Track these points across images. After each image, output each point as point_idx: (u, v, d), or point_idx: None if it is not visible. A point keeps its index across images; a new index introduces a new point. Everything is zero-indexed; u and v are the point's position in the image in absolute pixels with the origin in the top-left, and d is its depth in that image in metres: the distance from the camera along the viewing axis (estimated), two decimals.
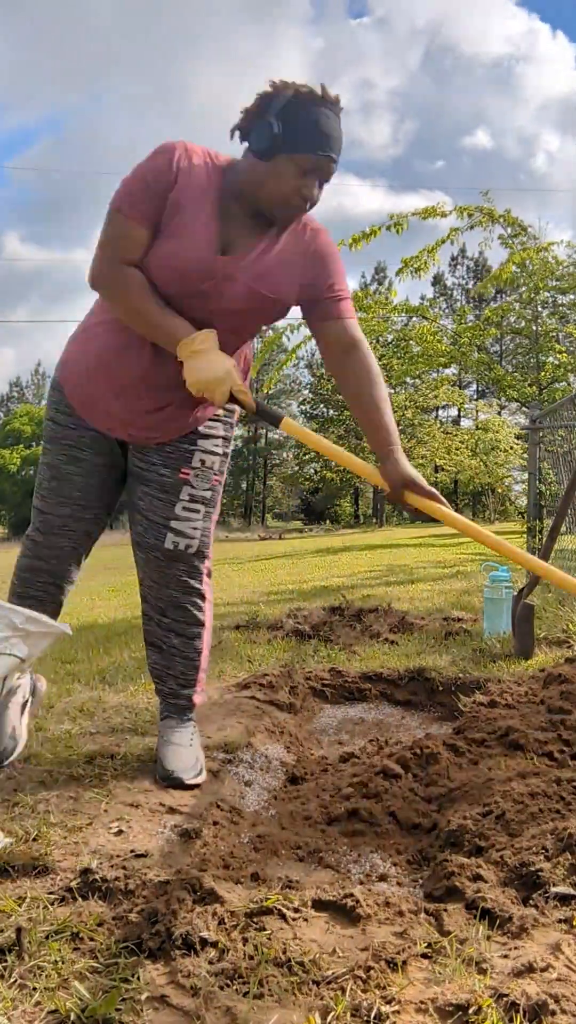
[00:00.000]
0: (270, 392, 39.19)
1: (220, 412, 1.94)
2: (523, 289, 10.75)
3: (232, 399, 1.73)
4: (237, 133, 1.72)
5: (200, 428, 1.90)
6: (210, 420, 1.92)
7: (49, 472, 1.94)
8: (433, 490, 1.73)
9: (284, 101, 1.64)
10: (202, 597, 1.97)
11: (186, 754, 1.88)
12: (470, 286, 39.12)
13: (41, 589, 2.03)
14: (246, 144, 1.71)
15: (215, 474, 1.94)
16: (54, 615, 2.03)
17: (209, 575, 1.99)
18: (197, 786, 1.82)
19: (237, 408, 1.94)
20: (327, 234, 1.84)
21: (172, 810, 1.70)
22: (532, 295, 10.61)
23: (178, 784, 1.80)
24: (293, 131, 1.63)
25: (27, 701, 2.00)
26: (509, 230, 9.68)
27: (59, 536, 1.97)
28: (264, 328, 2.06)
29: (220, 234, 1.70)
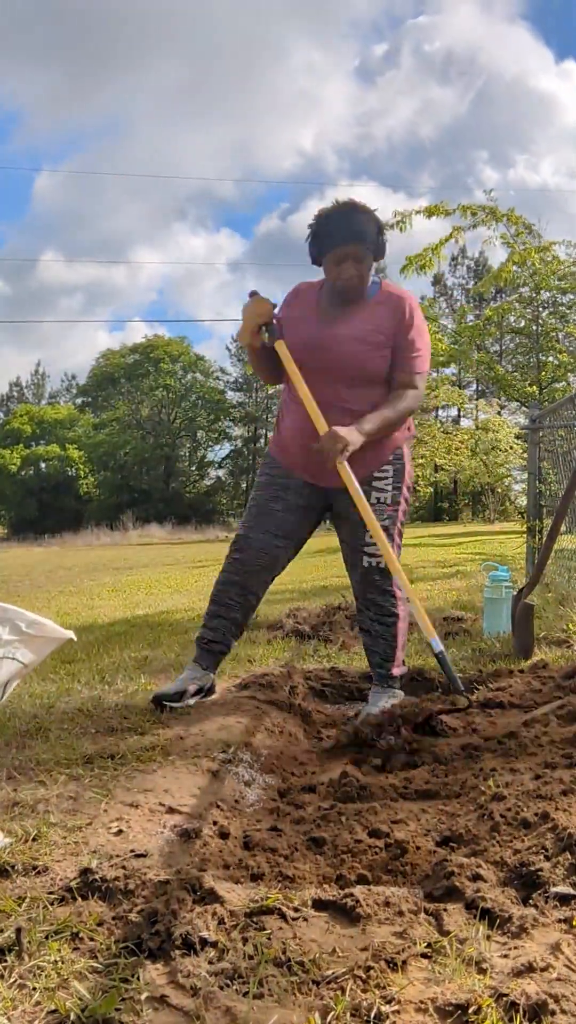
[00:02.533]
0: (271, 391, 39.18)
1: (391, 456, 2.55)
2: (524, 289, 10.74)
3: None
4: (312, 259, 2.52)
5: (375, 473, 2.52)
6: (384, 465, 2.54)
7: (256, 508, 2.59)
8: (344, 448, 2.32)
9: (311, 225, 2.45)
10: (394, 596, 2.55)
11: (375, 709, 2.42)
12: (470, 286, 39.07)
13: (233, 598, 2.57)
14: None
15: (387, 506, 2.55)
16: (243, 624, 2.63)
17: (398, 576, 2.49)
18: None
19: (405, 452, 2.61)
20: (411, 300, 2.52)
21: (172, 810, 1.70)
22: (534, 294, 10.61)
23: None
24: (316, 242, 2.44)
25: (202, 691, 2.54)
26: (512, 229, 9.68)
27: (254, 554, 2.55)
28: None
29: (323, 316, 2.49)
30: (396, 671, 2.60)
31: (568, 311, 11.05)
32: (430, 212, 9.06)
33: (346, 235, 2.38)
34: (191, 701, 2.50)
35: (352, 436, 2.31)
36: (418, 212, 8.96)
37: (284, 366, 2.46)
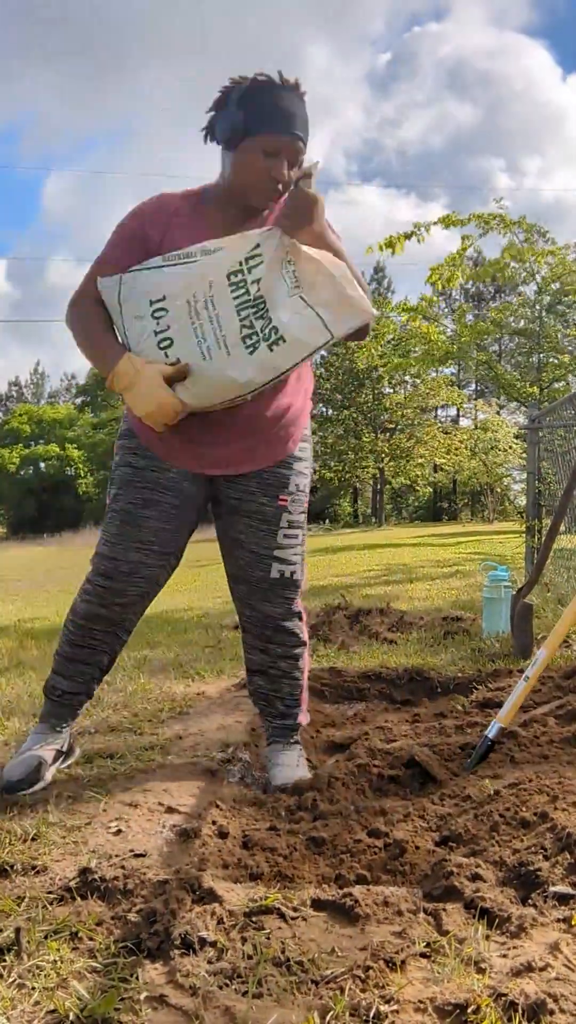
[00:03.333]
0: None
1: (307, 432, 1.96)
2: (525, 288, 10.78)
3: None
4: (207, 135, 1.77)
5: (295, 453, 1.91)
6: (302, 443, 1.94)
7: (120, 517, 1.86)
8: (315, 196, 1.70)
9: (243, 90, 1.70)
10: (300, 617, 2.00)
11: (296, 773, 1.91)
12: (469, 285, 39.08)
13: (100, 638, 1.93)
14: (216, 145, 1.76)
15: (304, 495, 1.96)
16: (109, 667, 2.00)
17: (302, 595, 2.01)
18: None
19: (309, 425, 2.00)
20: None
21: (171, 810, 1.70)
22: (536, 296, 10.65)
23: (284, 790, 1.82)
24: (253, 115, 1.68)
25: (61, 755, 1.94)
26: (523, 236, 9.72)
27: (126, 582, 1.87)
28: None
29: (208, 239, 1.73)
30: (303, 719, 2.06)
31: (568, 310, 11.07)
32: (446, 223, 9.13)
33: (291, 123, 1.70)
34: (49, 775, 1.85)
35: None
36: (435, 223, 9.00)
37: None
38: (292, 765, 1.94)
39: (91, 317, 1.79)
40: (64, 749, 1.95)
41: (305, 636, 2.01)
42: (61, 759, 1.93)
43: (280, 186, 1.74)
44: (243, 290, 1.70)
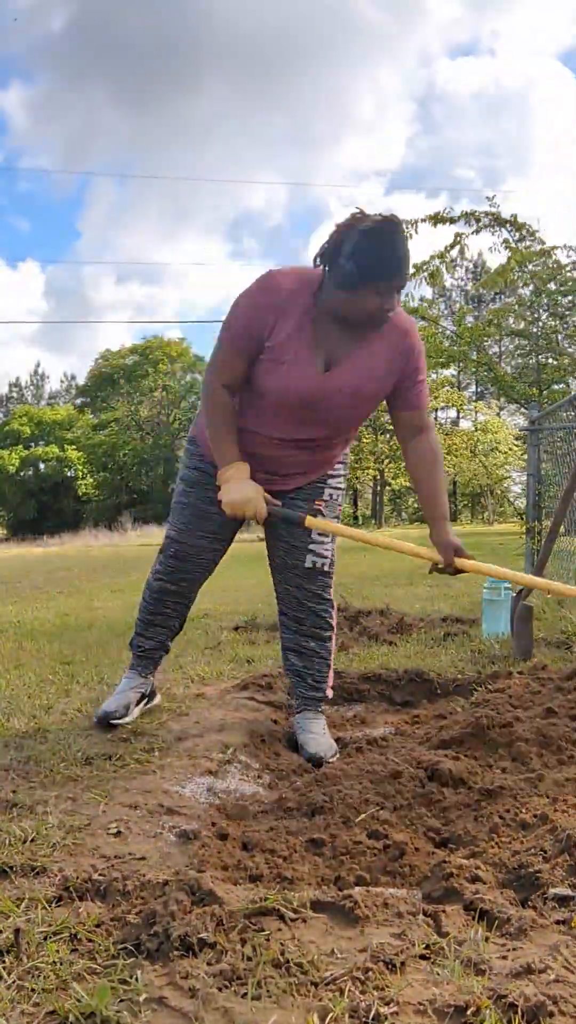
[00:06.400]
0: None
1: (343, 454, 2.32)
2: (524, 290, 10.78)
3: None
4: (319, 260, 2.00)
5: (329, 471, 2.28)
6: (337, 463, 2.30)
7: (191, 510, 2.28)
8: (472, 557, 2.05)
9: (354, 242, 1.89)
10: (332, 605, 2.34)
11: (324, 740, 2.23)
12: (468, 287, 39.10)
13: (171, 607, 2.38)
14: (327, 268, 1.99)
15: (337, 504, 2.32)
16: (180, 627, 2.46)
17: (332, 587, 2.35)
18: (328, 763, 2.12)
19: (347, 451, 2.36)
20: (415, 332, 2.13)
21: (171, 811, 1.70)
22: (535, 297, 10.64)
23: (318, 763, 2.12)
24: (366, 267, 1.89)
25: (145, 697, 2.44)
26: (516, 234, 9.70)
27: (192, 563, 2.32)
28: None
29: (320, 355, 2.03)
30: (329, 692, 2.39)
31: (568, 312, 11.07)
32: (436, 220, 9.08)
33: (400, 263, 1.92)
34: (136, 712, 2.38)
35: (452, 535, 2.06)
36: (424, 220, 8.97)
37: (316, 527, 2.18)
38: (320, 733, 2.25)
39: (224, 411, 2.09)
40: (147, 692, 2.45)
41: (334, 622, 2.35)
42: (145, 701, 2.44)
43: (391, 316, 2.00)
44: None
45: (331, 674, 2.38)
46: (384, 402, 2.17)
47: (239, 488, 2.05)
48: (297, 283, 2.02)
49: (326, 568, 2.30)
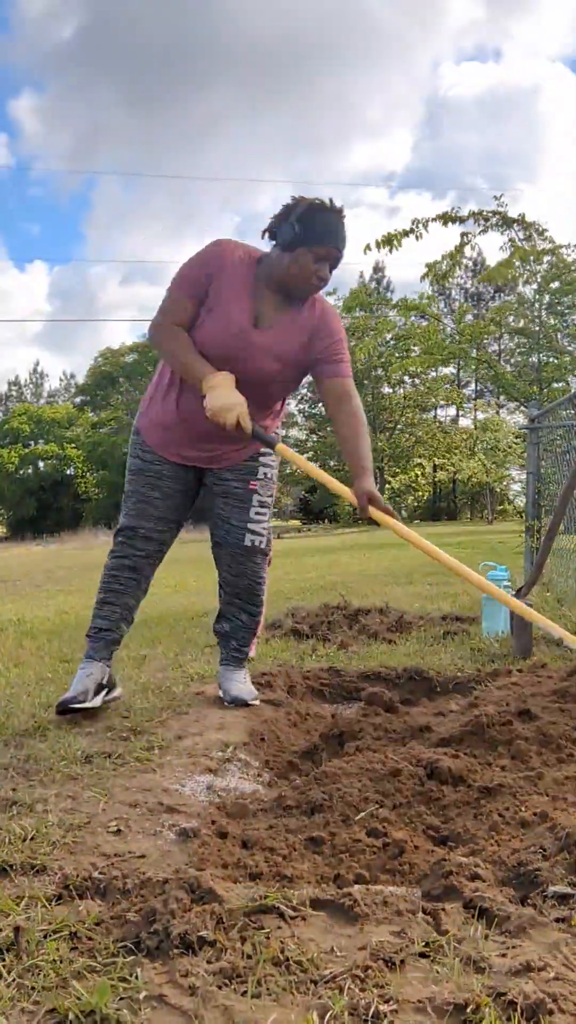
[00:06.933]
0: None
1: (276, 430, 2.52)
2: (526, 288, 10.78)
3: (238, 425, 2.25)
4: (267, 234, 2.30)
5: (263, 449, 2.45)
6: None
7: (136, 497, 2.49)
8: (389, 507, 2.22)
9: (303, 209, 2.23)
10: (264, 581, 2.59)
11: (244, 687, 2.56)
12: (469, 285, 39.07)
13: (124, 583, 2.49)
14: (273, 242, 2.29)
15: (273, 483, 2.54)
16: (134, 608, 2.53)
17: (269, 563, 2.59)
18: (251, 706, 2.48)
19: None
20: (332, 310, 2.44)
21: (170, 809, 1.70)
22: (536, 296, 10.65)
23: (242, 704, 2.47)
24: (310, 230, 2.21)
25: (103, 688, 2.45)
26: (523, 233, 9.70)
27: (144, 541, 2.48)
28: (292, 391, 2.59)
29: (254, 311, 2.30)
30: (252, 652, 2.71)
31: (568, 311, 11.07)
32: (445, 219, 9.08)
33: (339, 239, 2.26)
34: (97, 700, 2.40)
35: (371, 484, 2.24)
36: (433, 220, 8.96)
37: (285, 457, 2.39)
38: (241, 681, 2.58)
39: (181, 335, 2.29)
40: (105, 683, 2.46)
41: (264, 598, 2.61)
42: (105, 691, 2.45)
43: (322, 284, 2.29)
44: None
45: (255, 641, 2.70)
46: (312, 375, 2.41)
47: (225, 395, 2.22)
48: (243, 251, 2.31)
49: (262, 546, 2.52)
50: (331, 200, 2.25)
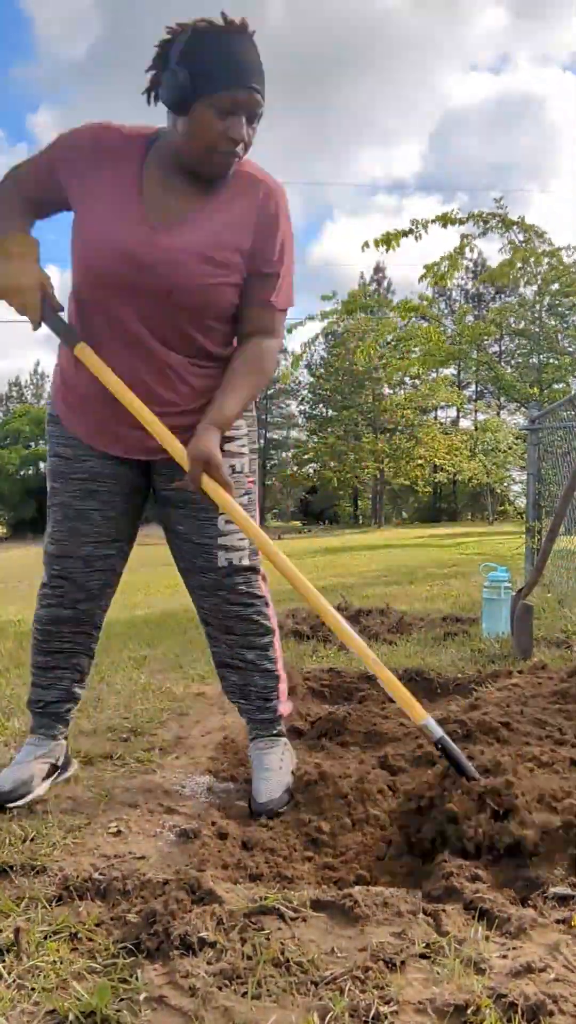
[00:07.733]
0: (270, 391, 39.21)
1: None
2: (526, 290, 10.81)
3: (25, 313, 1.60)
4: (150, 96, 1.59)
5: (226, 434, 1.66)
6: (236, 421, 1.71)
7: (62, 512, 1.75)
8: (230, 482, 1.59)
9: (184, 42, 1.49)
10: (264, 603, 1.83)
11: (276, 781, 1.74)
12: (469, 286, 39.09)
13: (70, 639, 1.82)
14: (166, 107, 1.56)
15: (246, 477, 1.78)
16: (88, 668, 1.89)
17: (264, 579, 1.85)
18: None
19: (252, 409, 1.82)
20: (284, 196, 1.67)
21: (171, 810, 1.70)
22: (537, 297, 10.67)
23: (273, 816, 1.66)
24: (201, 72, 1.47)
25: (56, 769, 1.84)
26: (523, 236, 9.71)
27: (86, 577, 1.77)
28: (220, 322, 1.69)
29: (154, 211, 1.58)
30: (284, 709, 1.90)
31: (569, 312, 11.08)
32: (445, 221, 9.09)
33: (246, 73, 1.48)
34: (44, 787, 1.76)
35: (212, 443, 1.56)
36: (433, 221, 8.97)
37: (87, 364, 1.62)
38: (276, 768, 1.78)
39: (7, 193, 1.68)
40: (59, 763, 1.84)
41: (272, 623, 1.84)
42: (56, 773, 1.83)
43: (240, 147, 1.55)
44: None
45: (283, 687, 1.89)
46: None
47: (18, 268, 1.59)
48: (132, 131, 1.63)
49: (245, 562, 1.78)
50: (224, 15, 1.49)
